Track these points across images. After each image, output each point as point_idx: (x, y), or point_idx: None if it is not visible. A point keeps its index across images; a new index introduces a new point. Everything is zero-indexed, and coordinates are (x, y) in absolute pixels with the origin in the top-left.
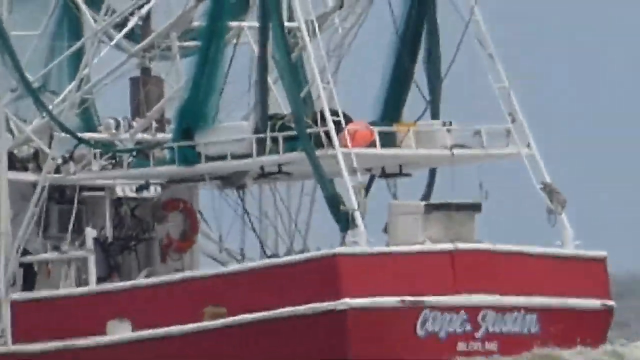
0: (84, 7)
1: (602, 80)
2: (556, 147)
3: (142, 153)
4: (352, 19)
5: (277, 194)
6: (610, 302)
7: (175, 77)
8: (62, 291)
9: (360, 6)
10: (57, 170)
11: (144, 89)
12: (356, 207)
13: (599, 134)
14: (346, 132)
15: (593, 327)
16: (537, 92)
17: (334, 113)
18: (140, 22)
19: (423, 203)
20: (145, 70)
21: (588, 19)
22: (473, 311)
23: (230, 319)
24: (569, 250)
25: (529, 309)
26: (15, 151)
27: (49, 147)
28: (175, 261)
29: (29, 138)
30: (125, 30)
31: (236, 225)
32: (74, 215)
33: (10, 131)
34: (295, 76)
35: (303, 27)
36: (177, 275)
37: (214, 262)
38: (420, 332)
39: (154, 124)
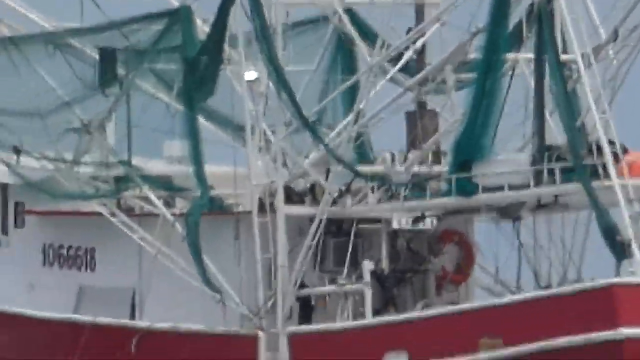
0: (358, 41)
1: None
2: None
3: (418, 185)
4: (627, 50)
5: (551, 224)
6: None
7: (450, 110)
8: (339, 324)
9: (634, 38)
10: (334, 203)
11: (419, 123)
12: (633, 237)
13: None
14: (623, 163)
15: None
16: None
17: (611, 143)
18: (414, 56)
19: None
20: (421, 104)
21: None
22: None
23: (505, 350)
24: None
25: None
26: (292, 185)
27: (326, 180)
28: (450, 293)
29: (306, 171)
30: (400, 64)
31: (511, 256)
32: (350, 248)
33: (286, 165)
34: (571, 107)
35: (579, 58)
36: (453, 307)
37: (488, 294)
38: None
39: (430, 157)
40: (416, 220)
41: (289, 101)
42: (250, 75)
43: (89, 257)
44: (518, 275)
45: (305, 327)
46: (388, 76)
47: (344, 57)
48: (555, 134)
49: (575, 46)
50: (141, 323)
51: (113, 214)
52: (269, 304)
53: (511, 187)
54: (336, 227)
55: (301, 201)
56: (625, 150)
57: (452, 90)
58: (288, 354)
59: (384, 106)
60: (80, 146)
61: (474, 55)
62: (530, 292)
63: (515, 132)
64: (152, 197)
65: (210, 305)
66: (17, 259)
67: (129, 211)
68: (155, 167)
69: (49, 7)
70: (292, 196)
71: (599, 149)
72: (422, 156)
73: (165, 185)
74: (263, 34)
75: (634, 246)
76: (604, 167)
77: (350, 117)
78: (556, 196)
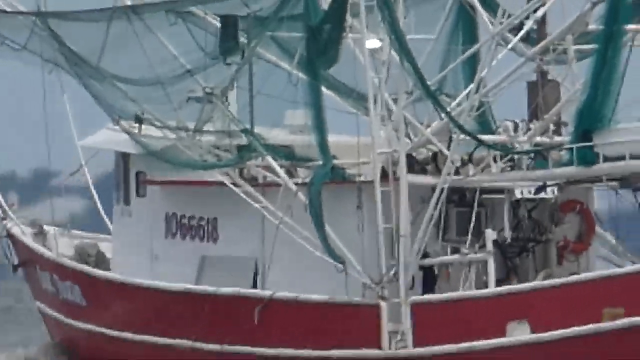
0: (480, 9)
1: None
2: None
3: (540, 155)
4: None
5: None
6: None
7: (571, 80)
8: (463, 293)
9: None
10: (456, 172)
11: (541, 93)
12: None
13: None
14: None
15: None
16: None
17: None
18: (535, 26)
19: None
20: (542, 74)
21: None
22: None
23: (628, 320)
24: None
25: None
26: (414, 154)
27: (448, 149)
28: (571, 263)
29: (428, 140)
30: (521, 34)
31: (633, 226)
32: (473, 217)
33: (408, 134)
34: None
35: None
36: (576, 277)
37: (609, 264)
38: None
39: (552, 127)
40: (538, 189)
41: (411, 69)
42: (372, 43)
43: (211, 227)
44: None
45: (427, 297)
46: (509, 46)
47: (465, 25)
48: None
49: None
50: (264, 293)
51: (235, 184)
52: (392, 273)
53: (632, 157)
54: (459, 197)
55: (423, 170)
56: None
57: (573, 60)
58: (410, 324)
59: (506, 76)
60: (203, 115)
61: (594, 25)
62: None
63: (637, 101)
64: (275, 166)
65: (332, 274)
66: (140, 228)
67: (252, 180)
68: (278, 136)
69: None
70: (414, 165)
71: None
72: (544, 126)
73: (288, 154)
74: (385, 2)
75: None
76: None
77: (472, 86)
78: None
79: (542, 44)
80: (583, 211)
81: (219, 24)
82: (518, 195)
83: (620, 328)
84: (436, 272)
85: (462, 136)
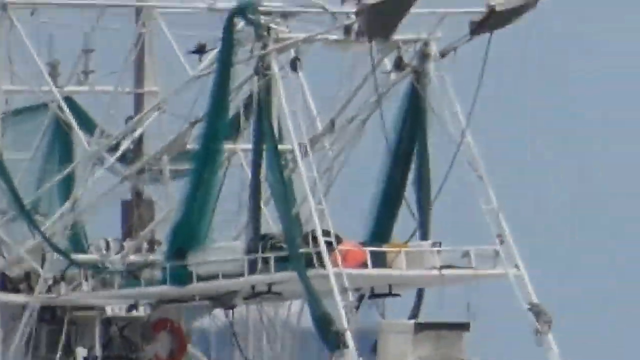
0: (77, 129)
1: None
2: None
3: (132, 273)
4: (343, 141)
5: (264, 313)
6: None
7: (166, 199)
8: None
9: (351, 129)
10: (49, 290)
11: (136, 212)
12: (347, 326)
13: (589, 255)
14: (337, 252)
15: None
16: (526, 213)
17: (326, 233)
18: (132, 145)
19: (413, 322)
20: (138, 193)
21: (579, 143)
22: None
23: None
24: None
25: None
26: (7, 272)
27: (42, 267)
28: None
29: (21, 259)
30: (118, 153)
31: (224, 345)
32: (64, 335)
33: (1, 252)
34: (287, 197)
35: (296, 148)
36: None
37: None
38: None
39: (145, 245)
40: (130, 308)
41: (6, 189)
42: None
43: None
44: None
45: None
46: (105, 165)
47: (61, 144)
48: (271, 223)
49: (292, 136)
50: None
51: None
52: None
53: (225, 276)
54: (50, 315)
55: (16, 289)
56: (339, 240)
57: (169, 180)
58: None
59: (101, 195)
60: None
61: (191, 145)
62: None
63: (231, 220)
64: None
65: None
66: None
67: None
68: None
69: None
70: (6, 283)
71: (314, 238)
72: (137, 245)
73: None
74: None
75: (347, 336)
76: (319, 256)
77: (67, 205)
78: (270, 284)
79: (138, 164)
80: (175, 330)
81: None
82: (109, 313)
83: None
84: None
85: (55, 255)
